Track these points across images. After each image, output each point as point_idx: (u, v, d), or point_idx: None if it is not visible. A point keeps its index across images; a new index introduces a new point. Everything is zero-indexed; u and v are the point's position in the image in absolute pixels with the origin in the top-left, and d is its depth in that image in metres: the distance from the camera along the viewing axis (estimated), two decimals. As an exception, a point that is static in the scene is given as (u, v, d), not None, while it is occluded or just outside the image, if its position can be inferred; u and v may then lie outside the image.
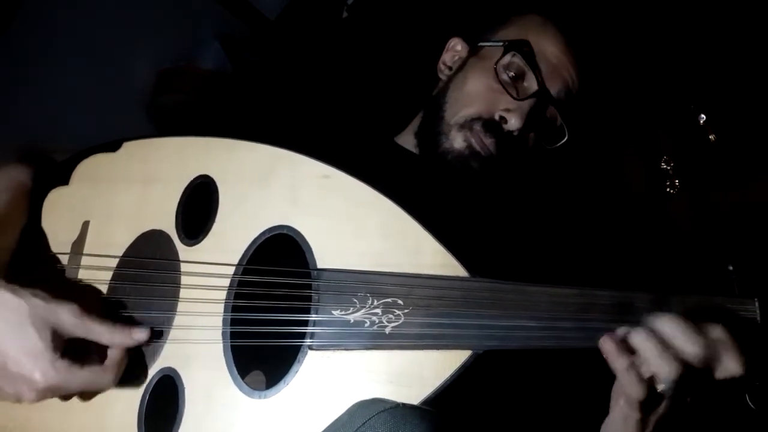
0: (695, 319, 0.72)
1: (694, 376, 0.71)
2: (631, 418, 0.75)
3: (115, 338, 0.81)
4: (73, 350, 0.79)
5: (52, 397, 0.80)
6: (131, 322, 0.84)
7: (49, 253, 0.91)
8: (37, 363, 0.76)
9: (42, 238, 0.92)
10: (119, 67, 1.96)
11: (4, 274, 0.81)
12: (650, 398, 0.72)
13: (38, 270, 0.89)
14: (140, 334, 0.82)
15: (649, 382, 0.72)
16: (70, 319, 0.78)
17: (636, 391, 0.71)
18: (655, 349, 0.70)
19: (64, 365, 0.77)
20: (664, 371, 0.70)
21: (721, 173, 1.56)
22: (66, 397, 0.83)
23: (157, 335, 0.84)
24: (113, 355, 0.81)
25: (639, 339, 0.71)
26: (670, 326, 0.71)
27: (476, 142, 1.08)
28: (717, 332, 0.72)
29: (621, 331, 0.73)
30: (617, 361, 0.71)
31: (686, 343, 0.70)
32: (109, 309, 0.86)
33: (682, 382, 0.71)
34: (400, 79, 1.66)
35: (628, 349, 0.72)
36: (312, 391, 0.77)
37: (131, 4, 1.96)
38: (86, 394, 0.84)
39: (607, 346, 0.72)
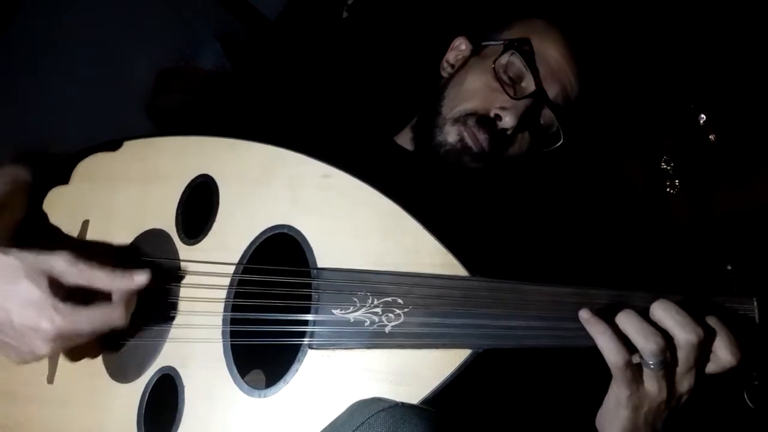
0: (693, 315, 0.73)
1: (685, 357, 0.72)
2: (622, 396, 0.75)
3: (115, 282, 0.80)
4: (78, 300, 0.79)
5: (67, 345, 0.80)
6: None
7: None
8: (40, 311, 0.76)
9: (42, 237, 0.92)
10: (119, 67, 1.96)
11: None
12: (633, 370, 0.73)
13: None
14: (141, 277, 0.81)
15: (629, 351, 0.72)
16: (63, 265, 0.78)
17: (613, 355, 0.72)
18: (636, 323, 0.72)
19: (68, 308, 0.77)
20: (645, 345, 0.71)
21: (721, 173, 1.56)
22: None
23: (156, 333, 0.84)
24: (119, 292, 0.80)
25: (620, 317, 0.73)
26: (664, 312, 0.72)
27: (469, 136, 1.09)
28: (711, 321, 0.74)
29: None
30: (593, 327, 0.73)
31: (680, 330, 0.71)
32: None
33: (666, 359, 0.72)
34: (399, 79, 1.66)
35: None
36: (312, 390, 0.77)
37: (131, 4, 1.96)
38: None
39: (584, 313, 0.73)
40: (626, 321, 0.72)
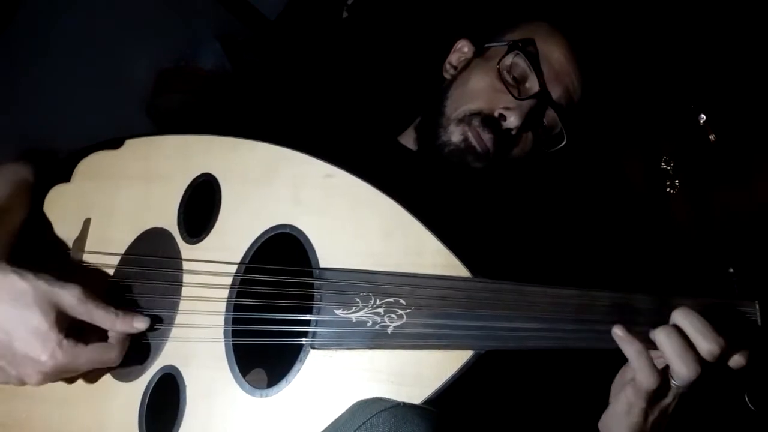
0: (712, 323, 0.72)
1: (707, 371, 0.72)
2: (636, 407, 0.75)
3: (117, 325, 0.81)
4: (74, 332, 0.80)
5: (56, 379, 0.81)
6: (132, 310, 0.85)
7: (51, 250, 0.91)
8: (44, 343, 0.77)
9: (43, 235, 0.92)
10: (119, 67, 1.96)
11: (7, 260, 0.81)
12: (660, 389, 0.73)
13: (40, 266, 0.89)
14: (141, 323, 0.83)
15: (662, 374, 0.72)
16: (73, 300, 0.79)
17: (646, 378, 0.72)
18: (679, 348, 0.70)
19: (69, 345, 0.78)
20: (683, 371, 0.70)
21: (721, 173, 1.56)
22: (70, 380, 0.84)
23: (158, 332, 0.84)
24: (117, 334, 0.82)
25: (662, 336, 0.72)
26: (687, 321, 0.71)
27: (473, 136, 1.09)
28: (726, 324, 0.73)
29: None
30: (630, 346, 0.72)
31: (702, 340, 0.70)
32: (111, 299, 0.86)
33: (698, 382, 0.71)
34: (401, 79, 1.66)
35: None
36: (313, 390, 0.78)
37: (131, 4, 1.96)
38: (90, 376, 0.85)
39: (619, 331, 0.72)
40: (667, 342, 0.71)
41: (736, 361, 0.73)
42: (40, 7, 1.74)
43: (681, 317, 0.72)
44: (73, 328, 0.80)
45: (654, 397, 0.74)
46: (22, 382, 0.80)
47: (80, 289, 0.80)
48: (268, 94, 1.83)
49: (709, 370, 0.72)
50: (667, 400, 0.75)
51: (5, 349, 0.77)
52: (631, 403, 0.75)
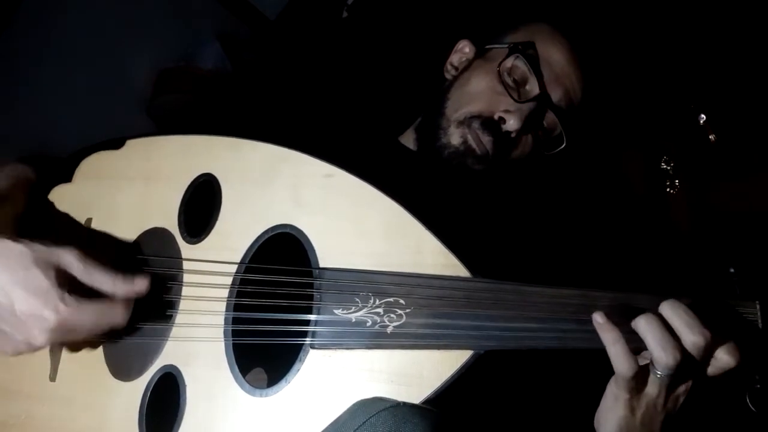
0: (700, 317, 0.73)
1: (690, 365, 0.72)
2: (620, 398, 0.75)
3: (117, 286, 0.80)
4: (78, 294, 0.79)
5: (64, 338, 0.81)
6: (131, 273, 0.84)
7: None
8: (46, 300, 0.76)
9: (44, 235, 0.92)
10: (119, 67, 1.96)
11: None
12: (639, 377, 0.73)
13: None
14: (142, 283, 0.81)
15: (637, 361, 0.72)
16: (71, 259, 0.78)
17: (622, 365, 0.72)
18: (658, 334, 0.71)
19: (73, 300, 0.77)
20: (662, 357, 0.71)
21: (721, 173, 1.57)
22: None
23: (158, 331, 0.84)
24: (120, 295, 0.81)
25: (642, 323, 0.72)
26: (673, 312, 0.72)
27: (473, 139, 1.09)
28: (717, 321, 0.73)
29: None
30: (607, 334, 0.73)
31: (688, 332, 0.71)
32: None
33: (679, 371, 0.72)
34: (401, 79, 1.67)
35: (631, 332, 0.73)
36: (313, 389, 0.78)
37: (131, 4, 1.96)
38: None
39: (599, 318, 0.73)
40: (647, 329, 0.72)
41: (724, 359, 0.74)
42: (40, 7, 1.74)
43: (668, 308, 0.73)
44: (77, 291, 0.78)
45: (635, 386, 0.74)
46: (29, 345, 0.78)
47: (78, 250, 0.79)
48: (268, 94, 1.83)
49: (693, 364, 0.73)
50: (652, 391, 0.74)
51: (7, 313, 0.76)
52: (615, 394, 0.76)
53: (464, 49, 1.23)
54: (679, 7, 1.63)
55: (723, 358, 0.74)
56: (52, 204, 0.94)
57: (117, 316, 0.80)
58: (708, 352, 0.72)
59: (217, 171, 0.89)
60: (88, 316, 0.78)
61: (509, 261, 0.96)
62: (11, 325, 0.77)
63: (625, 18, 1.65)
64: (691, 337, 0.71)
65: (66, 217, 0.93)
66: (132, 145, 0.95)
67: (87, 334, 0.81)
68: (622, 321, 0.74)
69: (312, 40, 2.04)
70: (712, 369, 0.75)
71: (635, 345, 0.73)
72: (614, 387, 0.76)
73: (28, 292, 0.76)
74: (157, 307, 0.85)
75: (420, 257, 0.79)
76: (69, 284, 0.78)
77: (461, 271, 0.78)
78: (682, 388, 0.76)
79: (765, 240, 1.39)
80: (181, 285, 0.86)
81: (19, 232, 0.88)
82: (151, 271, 0.86)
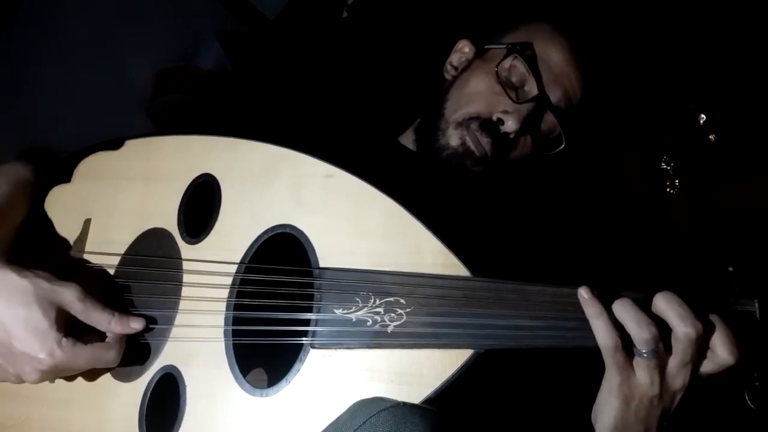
0: (695, 310, 0.73)
1: (682, 351, 0.72)
2: (613, 384, 0.75)
3: (113, 326, 0.82)
4: (73, 332, 0.80)
5: (54, 377, 0.82)
6: (128, 312, 0.85)
7: (51, 251, 0.91)
8: (43, 342, 0.77)
9: (43, 235, 0.92)
10: (119, 67, 1.96)
11: (7, 259, 0.82)
12: (624, 356, 0.73)
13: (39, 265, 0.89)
14: (137, 324, 0.83)
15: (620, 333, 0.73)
16: (72, 299, 0.79)
17: (604, 337, 0.73)
18: (632, 312, 0.72)
19: (69, 344, 0.78)
20: (638, 334, 0.72)
21: (721, 173, 1.57)
22: (70, 380, 0.84)
23: (158, 332, 0.85)
24: (115, 335, 0.83)
25: (618, 303, 0.74)
26: (667, 303, 0.73)
27: (471, 140, 1.09)
28: (712, 318, 0.74)
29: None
30: (590, 309, 0.74)
31: (675, 317, 0.72)
32: (109, 299, 0.86)
33: (658, 349, 0.72)
34: (401, 79, 1.66)
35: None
36: (313, 389, 0.78)
37: (131, 4, 1.96)
38: (90, 375, 0.85)
39: (584, 293, 0.74)
40: (622, 309, 0.73)
41: (723, 356, 0.74)
42: (40, 7, 1.74)
43: (662, 300, 0.74)
44: (72, 328, 0.80)
45: (623, 366, 0.74)
46: (20, 380, 0.80)
47: (79, 288, 0.80)
48: (268, 94, 1.83)
49: (692, 358, 0.73)
50: (642, 377, 0.74)
51: (4, 348, 0.78)
52: (608, 381, 0.75)
53: (464, 49, 1.23)
54: (679, 7, 1.62)
55: (722, 356, 0.74)
56: (50, 208, 0.94)
57: (110, 357, 0.82)
58: (701, 344, 0.73)
59: (217, 171, 0.89)
60: (82, 359, 0.80)
61: (509, 260, 0.96)
62: (6, 359, 0.79)
63: (625, 17, 1.65)
64: (683, 328, 0.72)
65: (63, 223, 0.93)
66: (131, 145, 0.95)
67: (78, 372, 0.84)
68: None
69: (312, 40, 2.04)
70: (711, 366, 0.75)
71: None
72: (606, 375, 0.76)
73: (27, 331, 0.77)
74: (157, 308, 0.85)
75: (420, 257, 0.79)
76: (66, 324, 0.79)
77: (461, 270, 0.78)
78: (678, 383, 0.75)
79: (764, 240, 1.39)
80: (181, 285, 0.86)
81: (19, 234, 0.89)
82: (150, 271, 0.87)
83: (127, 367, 0.85)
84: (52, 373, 0.80)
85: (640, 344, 0.72)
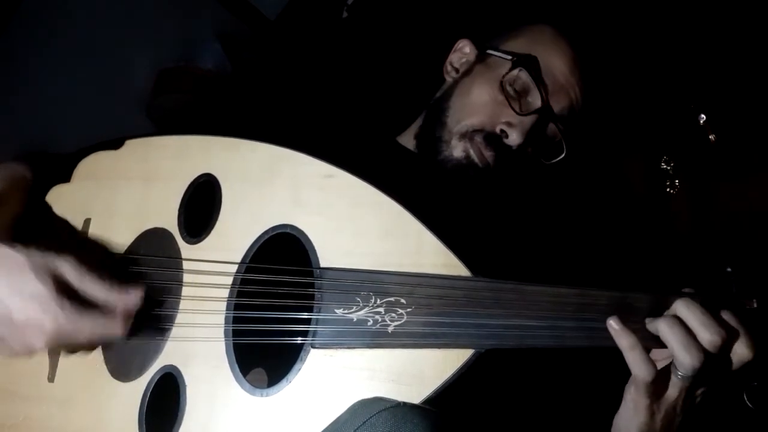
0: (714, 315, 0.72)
1: (711, 364, 0.72)
2: (640, 404, 0.75)
3: (111, 296, 0.80)
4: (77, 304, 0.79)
5: (62, 344, 0.81)
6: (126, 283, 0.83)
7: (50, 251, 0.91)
8: (44, 306, 0.76)
9: (43, 235, 0.92)
10: (119, 67, 1.96)
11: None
12: (658, 381, 0.73)
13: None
14: (135, 294, 0.81)
15: (655, 365, 0.72)
16: (68, 267, 0.78)
17: (641, 370, 0.72)
18: (681, 337, 0.70)
19: (72, 308, 0.77)
20: (686, 360, 0.70)
21: (721, 173, 1.57)
22: (74, 349, 0.84)
23: (158, 331, 0.85)
24: (119, 307, 0.81)
25: (664, 327, 0.72)
26: (689, 312, 0.72)
27: (475, 153, 1.08)
28: (725, 315, 0.73)
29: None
30: (624, 340, 0.72)
31: (705, 331, 0.71)
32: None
33: (702, 371, 0.71)
34: (401, 79, 1.66)
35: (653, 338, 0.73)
36: (314, 389, 0.77)
37: (131, 4, 1.96)
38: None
39: (615, 324, 0.73)
40: (670, 332, 0.71)
41: (742, 352, 0.73)
42: (39, 8, 1.75)
43: (683, 307, 0.72)
44: (74, 300, 0.78)
45: (655, 391, 0.73)
46: (27, 349, 0.78)
47: (74, 257, 0.79)
48: (268, 94, 1.83)
49: (712, 364, 0.72)
50: (672, 394, 0.74)
51: (5, 321, 0.76)
52: (635, 400, 0.75)
53: (464, 49, 1.22)
54: (679, 8, 1.63)
55: (740, 352, 0.73)
56: (49, 206, 0.94)
57: (116, 328, 0.80)
58: (725, 349, 0.72)
59: (217, 171, 0.89)
60: (86, 325, 0.78)
61: (510, 260, 0.96)
62: (9, 333, 0.77)
63: (626, 17, 1.65)
64: (708, 336, 0.70)
65: (62, 221, 0.93)
66: (131, 145, 0.95)
67: (85, 343, 0.82)
68: (629, 319, 0.74)
69: (312, 40, 2.04)
70: (733, 361, 0.74)
71: (645, 343, 0.73)
72: (633, 393, 0.75)
73: (24, 300, 0.76)
74: (157, 308, 0.85)
75: (420, 257, 0.79)
76: (67, 293, 0.78)
77: (462, 270, 0.78)
78: (700, 389, 0.76)
79: (763, 240, 1.39)
80: (181, 285, 0.86)
81: (17, 234, 0.89)
82: (150, 271, 0.87)
83: (126, 367, 0.85)
84: (57, 339, 0.77)
85: (686, 370, 0.71)
